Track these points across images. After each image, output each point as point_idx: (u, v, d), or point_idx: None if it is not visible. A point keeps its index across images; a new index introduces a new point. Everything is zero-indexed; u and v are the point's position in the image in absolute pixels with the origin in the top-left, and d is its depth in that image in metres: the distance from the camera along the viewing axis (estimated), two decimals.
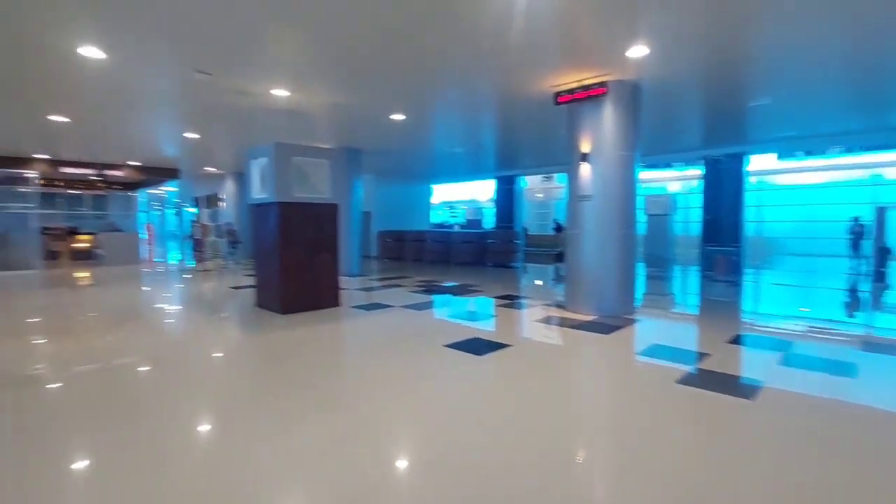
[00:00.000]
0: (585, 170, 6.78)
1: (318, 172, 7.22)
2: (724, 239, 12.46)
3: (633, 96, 6.74)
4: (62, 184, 17.13)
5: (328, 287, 7.47)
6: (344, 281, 10.59)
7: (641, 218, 20.74)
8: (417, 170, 17.52)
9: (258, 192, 7.31)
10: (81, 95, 7.39)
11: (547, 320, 6.54)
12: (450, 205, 34.64)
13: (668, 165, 21.40)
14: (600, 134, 6.69)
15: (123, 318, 6.92)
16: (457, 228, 26.03)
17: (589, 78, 6.45)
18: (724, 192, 12.58)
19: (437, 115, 8.95)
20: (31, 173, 14.02)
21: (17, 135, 10.55)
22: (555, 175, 26.10)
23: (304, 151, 7.10)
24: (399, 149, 12.60)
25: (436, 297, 8.55)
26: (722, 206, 12.65)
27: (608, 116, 6.64)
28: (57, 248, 19.48)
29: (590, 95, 6.51)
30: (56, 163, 14.46)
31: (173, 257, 20.36)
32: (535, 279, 12.12)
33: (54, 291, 9.71)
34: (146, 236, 28.95)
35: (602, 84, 6.35)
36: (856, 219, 13.83)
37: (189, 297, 8.99)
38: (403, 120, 9.06)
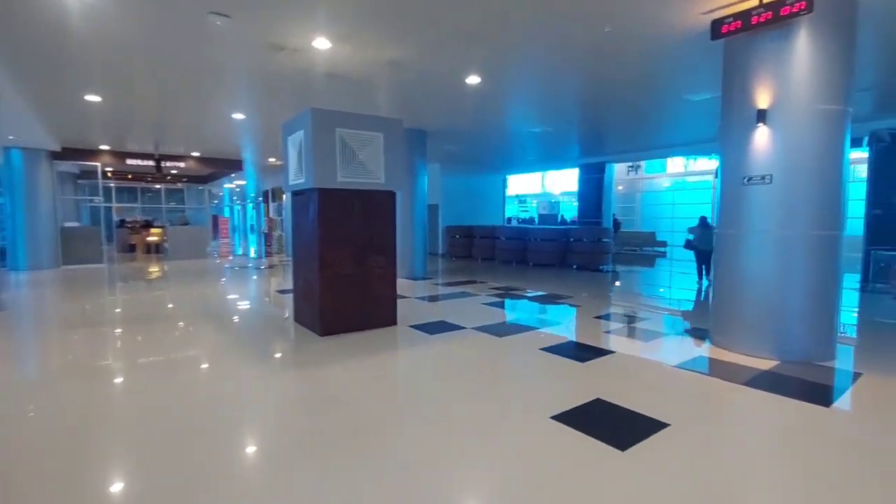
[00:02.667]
0: (762, 136, 4.45)
1: (369, 150, 5.47)
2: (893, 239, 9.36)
3: (849, 15, 4.31)
4: (130, 176, 17.03)
5: (382, 299, 5.73)
6: (405, 286, 8.94)
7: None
8: (488, 158, 15.50)
9: (295, 176, 5.70)
10: (101, 62, 6.17)
11: (702, 365, 4.33)
12: (520, 198, 32.31)
13: None
14: (790, 79, 4.33)
15: (113, 336, 5.60)
16: (534, 224, 23.74)
17: None
18: None
19: (521, 76, 6.90)
20: (95, 164, 13.68)
21: (72, 121, 9.86)
22: (643, 164, 23.06)
23: (352, 121, 5.36)
24: (470, 129, 10.67)
25: (518, 314, 6.54)
26: None
27: (807, 49, 4.26)
28: (134, 242, 19.75)
29: (776, 18, 4.18)
30: (120, 154, 14.07)
31: (245, 251, 19.97)
32: (640, 289, 9.71)
33: (87, 289, 8.86)
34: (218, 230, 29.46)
35: None
36: None
37: (222, 303, 7.67)
38: (478, 85, 7.11)
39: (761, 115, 4.42)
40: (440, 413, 3.23)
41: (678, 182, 22.35)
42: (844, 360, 4.41)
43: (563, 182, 28.55)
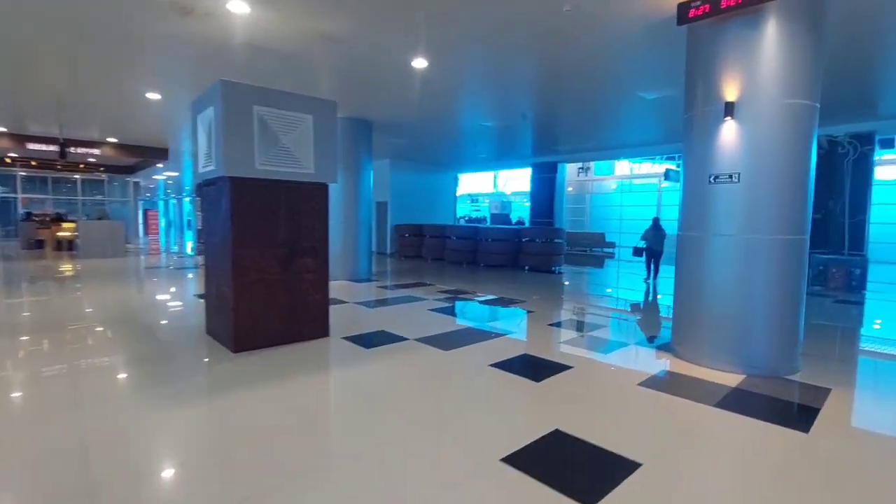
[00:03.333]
0: (730, 132, 4.09)
1: (296, 134, 4.69)
2: (834, 244, 9.62)
3: (819, 6, 4.02)
4: (34, 164, 15.07)
5: (311, 307, 4.96)
6: (345, 289, 8.16)
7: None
8: (439, 154, 14.92)
9: (204, 163, 4.82)
10: None
11: (668, 382, 3.90)
12: (472, 197, 32.03)
13: None
14: (758, 71, 3.99)
15: None
16: (486, 223, 23.41)
17: None
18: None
19: (472, 61, 6.33)
20: None
21: None
22: (592, 166, 23.29)
23: (274, 99, 4.56)
24: (419, 122, 10.02)
25: (467, 321, 5.97)
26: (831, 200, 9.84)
27: (776, 39, 3.93)
28: (42, 237, 17.58)
29: (746, 2, 3.82)
30: (19, 138, 12.30)
31: (182, 248, 18.26)
32: (594, 291, 9.43)
33: None
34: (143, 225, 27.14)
35: None
36: None
37: (123, 311, 6.59)
38: (426, 70, 6.47)
39: (729, 109, 4.05)
40: (363, 459, 2.56)
41: (625, 184, 22.75)
42: (810, 373, 4.13)
43: (515, 182, 28.51)
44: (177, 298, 7.67)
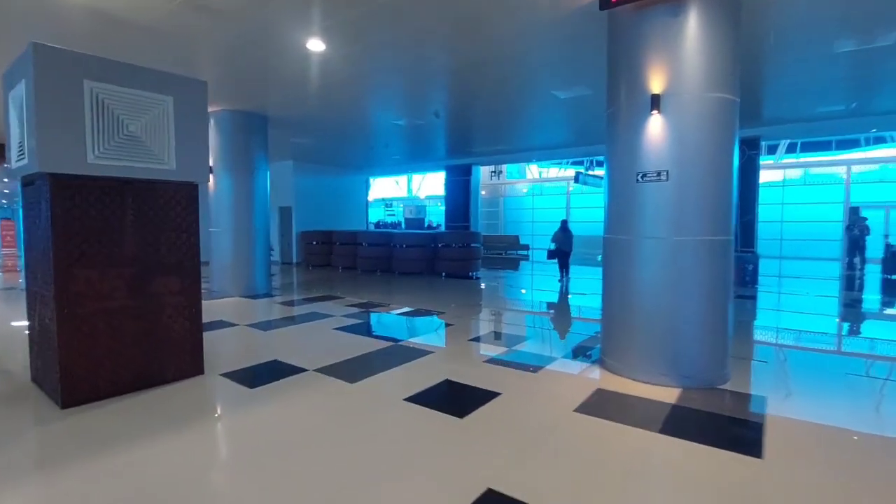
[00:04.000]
0: (657, 126, 3.79)
1: (149, 119, 3.66)
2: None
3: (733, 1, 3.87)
4: None
5: (176, 339, 3.92)
6: (237, 308, 6.97)
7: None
8: (348, 155, 13.97)
9: (17, 154, 3.61)
10: None
11: (606, 405, 3.47)
12: (386, 202, 31.21)
13: None
14: (684, 61, 3.74)
15: None
16: (401, 228, 22.69)
17: None
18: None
19: (376, 45, 5.62)
20: None
21: None
22: (504, 169, 23.60)
23: (115, 72, 3.50)
24: (322, 118, 9.08)
25: (380, 341, 5.21)
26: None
27: (697, 30, 3.71)
28: None
29: None
30: None
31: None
32: (512, 296, 9.12)
33: None
34: None
35: None
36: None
37: None
38: (325, 54, 5.65)
39: (655, 102, 3.76)
40: None
41: (536, 187, 23.32)
42: (740, 381, 3.95)
43: (429, 186, 28.17)
44: (3, 333, 6.06)
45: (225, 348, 4.92)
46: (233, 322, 6.17)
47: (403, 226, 22.92)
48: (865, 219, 12.28)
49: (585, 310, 7.46)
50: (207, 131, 4.11)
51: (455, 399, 3.58)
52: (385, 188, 30.73)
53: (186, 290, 3.98)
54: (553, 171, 25.99)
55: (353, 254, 12.78)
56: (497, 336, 5.57)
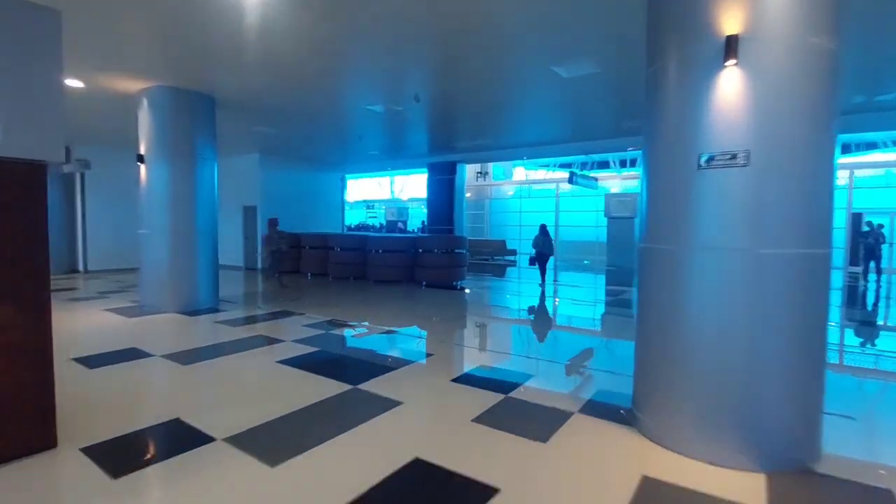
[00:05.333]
0: (731, 85, 2.57)
1: None
2: None
3: None
4: None
5: (5, 402, 2.56)
6: (164, 330, 5.42)
7: (603, 221, 17.38)
8: (321, 149, 12.60)
9: None
10: None
11: None
12: (368, 204, 29.84)
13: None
14: None
15: None
16: (377, 231, 21.34)
17: None
18: None
19: (343, 5, 4.30)
20: None
21: None
22: (490, 170, 22.44)
23: None
24: (286, 101, 7.73)
25: (331, 383, 3.89)
26: None
27: None
28: None
29: None
30: None
31: None
32: (503, 314, 7.87)
33: None
34: None
35: None
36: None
37: None
38: (279, 16, 4.31)
39: (732, 47, 2.53)
40: None
41: (523, 190, 22.20)
42: (841, 460, 2.74)
43: (413, 188, 26.86)
44: None
45: (112, 397, 3.56)
46: (148, 351, 4.78)
47: (387, 228, 21.60)
48: (881, 226, 11.38)
49: (579, 320, 6.26)
50: (60, 89, 2.75)
51: (430, 502, 2.29)
52: (368, 189, 29.40)
53: (24, 324, 2.62)
54: (541, 174, 24.95)
55: (323, 259, 11.40)
56: (488, 376, 4.29)
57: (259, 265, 12.90)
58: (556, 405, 3.48)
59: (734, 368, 2.63)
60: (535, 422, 3.19)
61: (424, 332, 5.88)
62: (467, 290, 9.92)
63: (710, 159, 2.62)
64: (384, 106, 7.94)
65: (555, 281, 11.21)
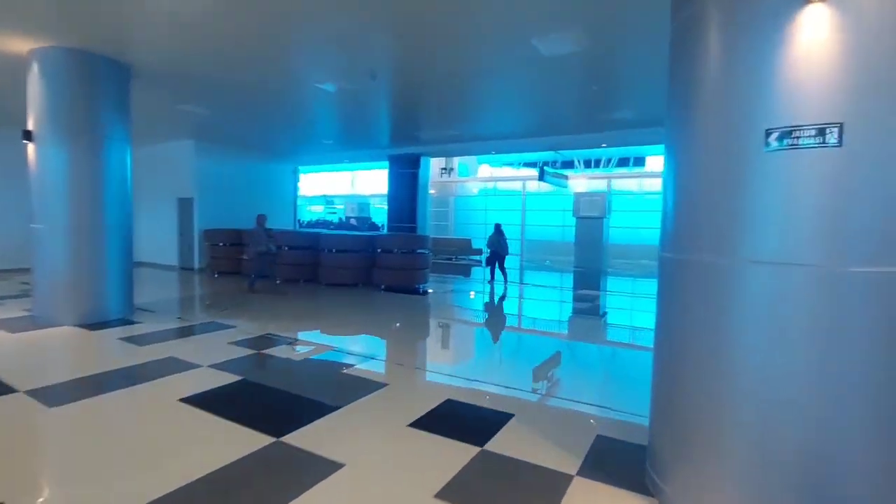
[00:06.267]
0: (816, 31, 1.78)
1: None
2: None
3: None
4: None
5: None
6: (51, 349, 4.15)
7: (569, 221, 16.85)
8: (268, 136, 11.35)
9: None
10: None
11: None
12: (328, 199, 28.39)
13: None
14: None
15: None
16: (333, 228, 20.11)
17: None
18: None
19: None
20: None
21: None
22: (456, 166, 21.62)
23: None
24: (221, 75, 6.56)
25: (246, 432, 2.90)
26: None
27: None
28: None
29: None
30: None
31: None
32: (470, 320, 7.03)
33: None
34: None
35: None
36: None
37: None
38: None
39: None
40: None
41: (489, 189, 21.51)
42: None
43: (375, 183, 25.63)
44: None
45: None
46: (10, 384, 3.62)
47: (345, 225, 20.37)
48: None
49: (547, 323, 5.51)
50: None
51: None
52: (325, 184, 27.98)
53: None
54: (507, 171, 24.37)
55: (269, 259, 10.18)
56: (454, 410, 3.42)
57: (195, 265, 11.52)
58: (548, 462, 2.64)
59: (803, 428, 1.87)
60: (525, 494, 2.34)
61: (379, 352, 4.94)
62: (431, 294, 9.03)
63: (785, 135, 1.83)
64: (336, 84, 6.90)
65: (521, 283, 10.64)
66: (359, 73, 6.34)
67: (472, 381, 4.06)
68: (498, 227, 10.21)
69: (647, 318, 7.11)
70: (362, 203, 25.80)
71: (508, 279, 10.48)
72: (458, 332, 6.40)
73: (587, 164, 22.22)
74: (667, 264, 2.36)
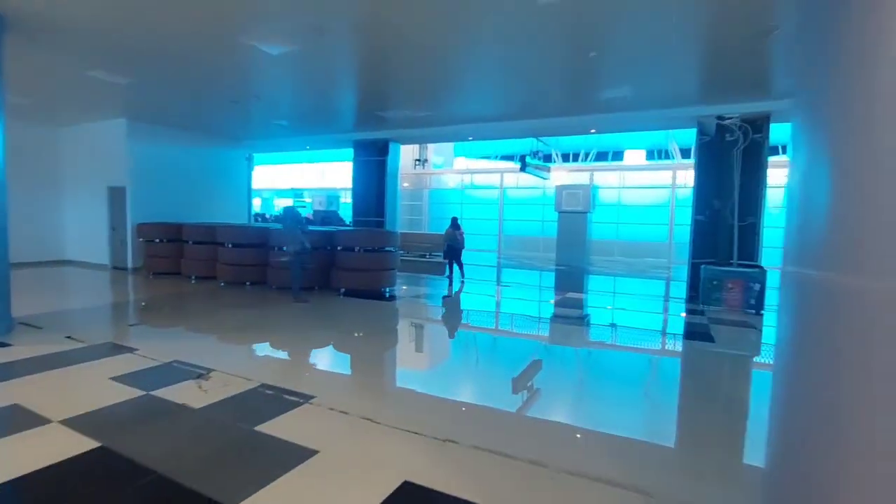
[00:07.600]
0: None
1: None
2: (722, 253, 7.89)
3: None
4: None
5: None
6: None
7: (552, 216, 15.85)
8: (212, 115, 9.84)
9: None
10: None
11: None
12: (297, 192, 26.65)
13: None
14: None
15: None
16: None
17: None
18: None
19: None
20: None
21: None
22: (431, 155, 20.35)
23: None
24: (118, 24, 5.13)
25: None
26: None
27: None
28: None
29: None
30: None
31: None
32: (445, 338, 5.86)
33: None
34: None
35: None
36: None
37: None
38: None
39: None
40: None
41: (467, 185, 20.32)
42: None
43: (347, 175, 24.10)
44: None
45: None
46: None
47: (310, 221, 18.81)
48: None
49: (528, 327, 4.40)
50: None
51: None
52: (293, 176, 26.31)
53: None
54: (483, 163, 23.16)
55: (212, 258, 8.77)
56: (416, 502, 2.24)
57: (128, 264, 9.97)
58: None
59: None
60: None
61: (318, 390, 3.70)
62: (398, 299, 7.83)
63: None
64: (279, 44, 5.57)
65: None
66: (303, 26, 5.03)
67: (445, 442, 2.87)
68: (454, 221, 9.89)
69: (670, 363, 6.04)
70: (331, 196, 24.24)
71: (466, 276, 9.89)
72: (427, 358, 5.22)
73: (566, 158, 21.28)
74: (799, 282, 1.24)
